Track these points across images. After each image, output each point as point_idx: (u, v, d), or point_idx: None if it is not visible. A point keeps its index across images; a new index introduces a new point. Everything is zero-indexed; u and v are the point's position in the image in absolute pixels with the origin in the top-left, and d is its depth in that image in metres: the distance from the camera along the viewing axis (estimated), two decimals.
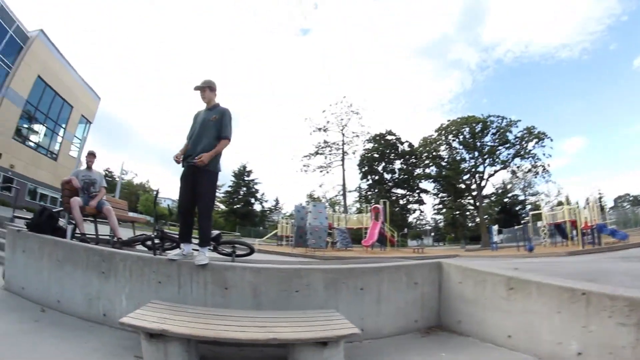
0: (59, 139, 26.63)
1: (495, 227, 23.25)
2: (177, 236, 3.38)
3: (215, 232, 3.85)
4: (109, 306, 3.08)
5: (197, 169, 3.20)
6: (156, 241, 3.74)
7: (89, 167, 5.11)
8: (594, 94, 61.46)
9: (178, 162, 3.36)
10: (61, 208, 4.72)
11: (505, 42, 77.20)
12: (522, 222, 23.41)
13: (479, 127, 35.59)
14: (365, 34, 76.35)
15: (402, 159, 39.93)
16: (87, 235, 4.45)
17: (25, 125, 23.56)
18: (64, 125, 26.76)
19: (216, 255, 4.14)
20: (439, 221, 52.32)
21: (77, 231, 4.44)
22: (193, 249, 3.37)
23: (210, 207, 3.37)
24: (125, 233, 6.22)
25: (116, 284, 3.10)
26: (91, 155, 5.22)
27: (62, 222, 4.41)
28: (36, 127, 24.76)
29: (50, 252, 3.56)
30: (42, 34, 22.87)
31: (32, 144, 24.28)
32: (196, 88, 3.48)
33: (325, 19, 75.46)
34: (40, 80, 23.05)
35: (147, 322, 2.18)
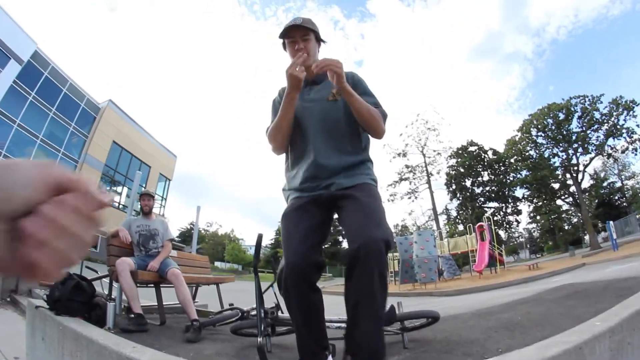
0: None
1: (612, 223, 18.43)
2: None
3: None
4: None
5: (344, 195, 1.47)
6: (264, 331, 1.86)
7: (145, 214, 3.54)
8: None
9: (298, 84, 1.40)
10: (105, 274, 3.18)
11: (553, 17, 68.84)
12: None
13: (562, 115, 30.65)
14: (416, 50, 75.18)
15: (489, 169, 35.50)
16: (145, 317, 2.84)
17: (107, 187, 25.26)
18: (144, 185, 28.26)
19: None
20: (532, 230, 45.54)
21: (133, 310, 2.78)
22: None
23: (386, 275, 1.32)
24: (206, 298, 4.66)
25: None
26: (147, 197, 3.64)
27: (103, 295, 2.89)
28: (118, 188, 26.49)
29: (72, 351, 1.99)
30: (112, 103, 24.88)
31: (115, 204, 25.81)
32: (290, 29, 1.51)
33: (374, 46, 75.99)
34: (116, 145, 24.81)
35: None
